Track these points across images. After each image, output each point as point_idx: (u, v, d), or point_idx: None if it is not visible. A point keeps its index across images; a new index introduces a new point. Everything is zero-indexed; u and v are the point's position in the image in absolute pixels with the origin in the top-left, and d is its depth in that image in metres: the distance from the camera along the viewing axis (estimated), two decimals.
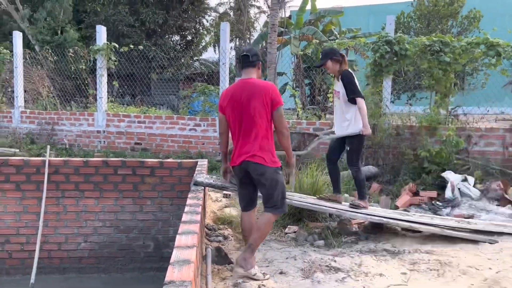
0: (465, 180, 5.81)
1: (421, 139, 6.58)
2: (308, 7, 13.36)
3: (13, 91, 10.19)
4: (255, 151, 3.32)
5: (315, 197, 4.76)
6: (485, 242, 4.03)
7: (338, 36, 13.44)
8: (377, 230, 4.63)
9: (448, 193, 5.66)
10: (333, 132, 4.91)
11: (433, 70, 6.81)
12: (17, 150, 8.45)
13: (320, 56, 4.75)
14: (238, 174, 3.52)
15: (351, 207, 4.46)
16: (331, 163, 4.77)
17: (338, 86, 4.56)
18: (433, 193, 5.77)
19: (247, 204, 3.59)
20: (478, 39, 6.76)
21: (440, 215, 5.03)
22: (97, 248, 5.22)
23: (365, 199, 4.61)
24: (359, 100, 4.37)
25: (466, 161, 6.44)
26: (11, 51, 10.17)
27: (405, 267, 3.50)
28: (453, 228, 4.23)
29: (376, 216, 4.34)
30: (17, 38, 9.98)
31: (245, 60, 3.44)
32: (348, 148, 4.57)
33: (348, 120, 4.49)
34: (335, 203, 4.55)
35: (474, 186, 5.77)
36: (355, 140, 4.52)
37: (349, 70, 4.57)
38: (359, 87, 4.50)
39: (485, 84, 7.48)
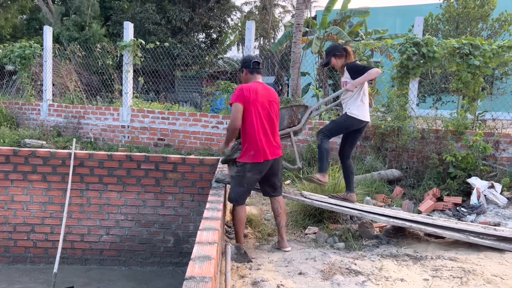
0: (492, 187, 5.66)
1: (446, 143, 6.44)
2: (336, 7, 13.24)
3: (42, 85, 10.45)
4: (278, 147, 3.92)
5: (328, 196, 4.76)
6: (511, 251, 3.92)
7: (364, 37, 13.27)
8: (399, 235, 4.56)
9: (473, 200, 5.53)
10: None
11: (461, 73, 6.66)
12: (44, 142, 8.66)
13: (325, 55, 4.71)
14: (264, 168, 3.82)
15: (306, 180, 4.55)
16: (342, 161, 4.75)
17: (345, 77, 4.52)
18: (458, 199, 5.64)
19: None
20: (509, 43, 6.59)
21: (464, 222, 4.91)
22: (118, 241, 5.30)
23: (324, 173, 4.45)
24: (370, 70, 4.26)
25: (494, 167, 6.27)
26: (41, 45, 10.43)
27: (427, 273, 3.43)
28: (478, 235, 4.12)
29: (399, 220, 4.27)
30: (48, 32, 10.22)
31: (255, 67, 3.91)
32: (333, 119, 4.50)
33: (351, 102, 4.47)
34: (347, 202, 4.54)
35: (501, 193, 5.61)
36: (343, 118, 4.47)
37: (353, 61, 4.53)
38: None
39: None
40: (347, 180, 4.73)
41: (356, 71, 4.35)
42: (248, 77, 3.92)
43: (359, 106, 4.44)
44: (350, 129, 4.55)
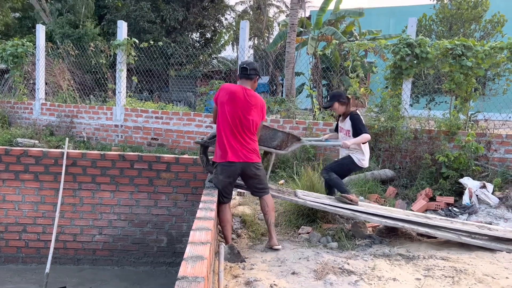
0: (483, 187, 5.70)
1: (439, 143, 6.48)
2: (330, 7, 13.26)
3: (34, 83, 10.37)
4: (251, 152, 3.91)
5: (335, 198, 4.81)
6: (502, 251, 3.95)
7: (358, 37, 13.31)
8: (391, 234, 4.58)
9: (465, 200, 5.57)
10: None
11: (454, 74, 6.70)
12: (37, 142, 8.60)
13: (328, 98, 5.18)
14: (232, 171, 3.91)
15: (338, 201, 4.56)
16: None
17: (346, 125, 4.81)
18: (450, 199, 5.68)
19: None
20: (502, 44, 6.63)
21: (459, 221, 4.94)
22: (111, 241, 5.28)
23: (349, 193, 4.65)
24: (364, 135, 4.62)
25: (485, 167, 6.32)
26: (34, 43, 10.36)
27: (419, 273, 3.45)
28: (470, 235, 4.15)
29: (392, 220, 4.29)
30: (40, 31, 10.15)
31: (243, 72, 3.97)
32: (337, 159, 4.96)
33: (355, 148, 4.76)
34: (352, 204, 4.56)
35: (492, 193, 5.66)
36: (348, 161, 4.77)
37: (357, 112, 4.85)
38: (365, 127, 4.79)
39: (507, 90, 7.33)
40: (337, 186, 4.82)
41: (358, 129, 4.66)
42: (238, 82, 4.09)
43: (363, 153, 4.76)
44: (351, 172, 5.06)
